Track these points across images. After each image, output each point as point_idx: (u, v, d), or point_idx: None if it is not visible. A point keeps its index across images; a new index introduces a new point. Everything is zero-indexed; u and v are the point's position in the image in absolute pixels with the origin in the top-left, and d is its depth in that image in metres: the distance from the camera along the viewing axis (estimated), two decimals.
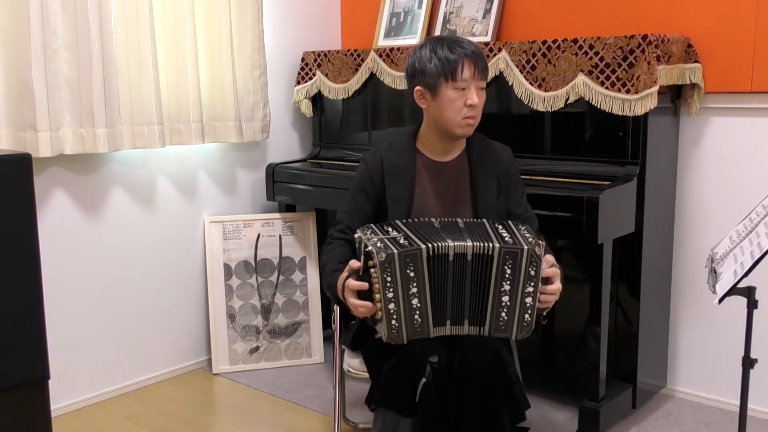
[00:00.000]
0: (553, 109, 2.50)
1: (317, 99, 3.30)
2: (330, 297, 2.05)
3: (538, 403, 2.70)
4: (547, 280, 1.85)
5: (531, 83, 2.53)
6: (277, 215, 3.23)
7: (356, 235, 1.88)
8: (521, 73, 2.55)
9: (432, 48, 1.98)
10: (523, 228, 1.89)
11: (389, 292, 1.76)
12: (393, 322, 1.78)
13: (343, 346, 2.24)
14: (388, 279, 1.75)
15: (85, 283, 2.76)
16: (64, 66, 2.53)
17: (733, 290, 1.66)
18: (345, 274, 1.88)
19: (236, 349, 3.13)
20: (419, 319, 1.79)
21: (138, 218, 2.90)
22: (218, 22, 2.95)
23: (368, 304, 1.80)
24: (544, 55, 2.49)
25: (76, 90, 2.56)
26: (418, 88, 2.02)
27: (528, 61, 2.53)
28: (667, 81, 2.38)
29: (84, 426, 2.65)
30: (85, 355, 2.78)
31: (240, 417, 2.71)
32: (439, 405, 1.82)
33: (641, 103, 2.29)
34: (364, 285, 1.80)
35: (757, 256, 1.62)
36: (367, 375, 2.10)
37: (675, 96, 2.58)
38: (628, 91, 2.31)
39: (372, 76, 3.04)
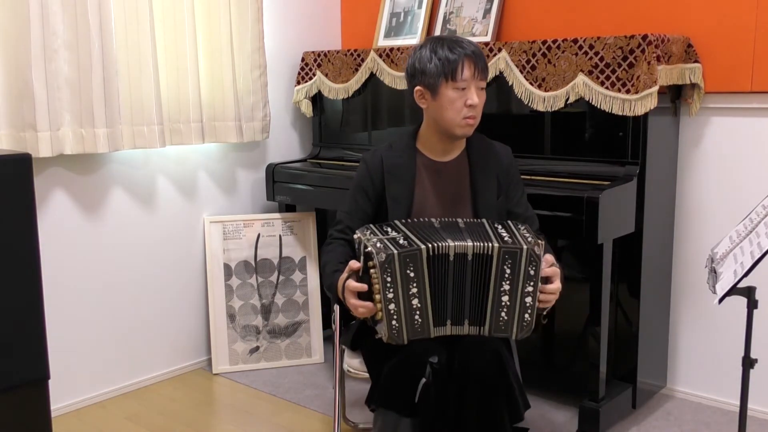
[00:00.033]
0: (553, 109, 2.50)
1: (317, 99, 3.30)
2: (331, 297, 2.05)
3: (538, 403, 2.70)
4: (547, 280, 1.85)
5: (531, 83, 2.53)
6: (277, 215, 3.23)
7: (355, 236, 1.88)
8: (521, 73, 2.55)
9: (432, 48, 1.98)
10: (522, 228, 1.89)
11: (389, 292, 1.76)
12: (393, 322, 1.78)
13: (343, 346, 2.24)
14: (388, 279, 1.75)
15: (85, 283, 2.76)
16: (64, 66, 2.53)
17: (733, 290, 1.66)
18: (345, 274, 1.87)
19: (236, 349, 3.13)
20: (419, 320, 1.79)
21: (138, 218, 2.90)
22: (218, 22, 2.95)
23: (368, 304, 1.80)
24: (544, 55, 2.49)
25: (76, 90, 2.56)
26: (418, 88, 2.02)
27: (528, 61, 2.53)
28: (667, 81, 2.38)
29: (84, 426, 2.65)
30: (85, 355, 2.78)
31: (240, 417, 2.71)
32: (439, 405, 1.82)
33: (641, 103, 2.29)
34: (364, 286, 1.80)
35: (757, 256, 1.62)
36: (367, 375, 2.10)
37: (675, 96, 2.58)
38: (628, 91, 2.31)
39: (372, 76, 3.04)
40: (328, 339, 3.18)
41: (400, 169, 2.07)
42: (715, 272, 1.79)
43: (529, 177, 2.49)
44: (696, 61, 2.51)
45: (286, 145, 3.41)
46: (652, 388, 2.73)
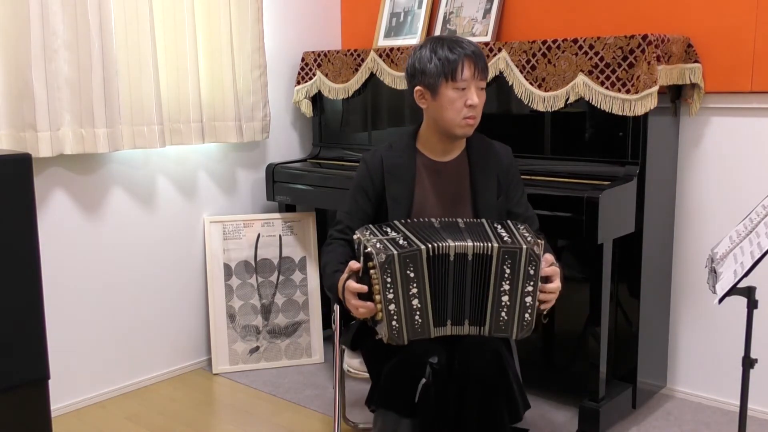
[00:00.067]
0: (553, 109, 2.50)
1: (317, 99, 3.30)
2: (331, 298, 2.05)
3: (538, 403, 2.70)
4: (547, 279, 1.85)
5: (531, 83, 2.53)
6: (277, 215, 3.23)
7: (355, 237, 1.88)
8: (521, 73, 2.55)
9: (432, 48, 1.98)
10: (522, 227, 1.89)
11: (389, 293, 1.76)
12: (393, 323, 1.78)
13: (343, 346, 2.24)
14: (388, 280, 1.75)
15: (85, 283, 2.76)
16: (64, 66, 2.53)
17: (733, 290, 1.66)
18: (345, 275, 1.87)
19: (236, 349, 3.13)
20: (420, 320, 1.79)
21: (138, 218, 2.90)
22: (218, 22, 2.95)
23: (369, 304, 1.80)
24: (544, 55, 2.49)
25: (76, 90, 2.56)
26: (418, 88, 2.02)
27: (528, 61, 2.53)
28: (667, 81, 2.38)
29: (84, 426, 2.65)
30: (85, 355, 2.78)
31: (240, 417, 2.71)
32: (439, 405, 1.82)
33: (641, 103, 2.29)
34: (364, 288, 1.80)
35: (757, 256, 1.62)
36: (367, 375, 2.10)
37: (675, 96, 2.58)
38: (628, 91, 2.31)
39: (372, 76, 3.04)
40: (328, 339, 3.18)
41: (400, 169, 2.07)
42: (715, 272, 1.79)
43: (529, 177, 2.49)
44: (696, 61, 2.51)
45: (286, 145, 3.41)
46: (652, 388, 2.73)
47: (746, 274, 1.62)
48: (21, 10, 2.38)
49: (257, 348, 3.15)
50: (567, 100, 2.45)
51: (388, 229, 1.87)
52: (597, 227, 2.23)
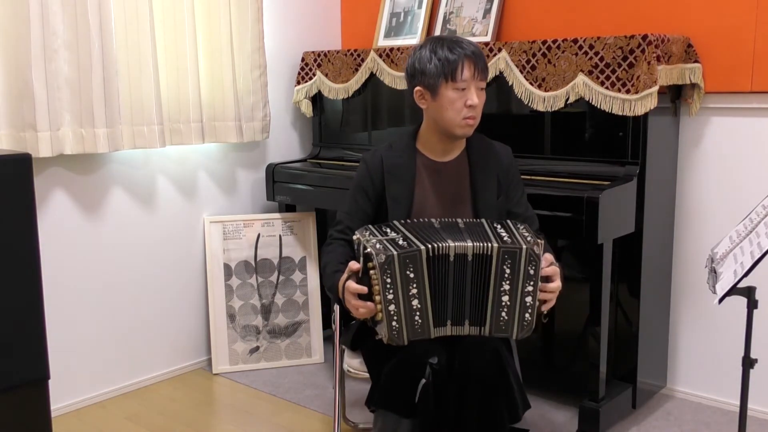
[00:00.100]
0: (553, 109, 2.50)
1: (317, 99, 3.30)
2: (331, 298, 2.05)
3: (538, 403, 2.70)
4: (547, 279, 1.85)
5: (531, 83, 2.53)
6: (277, 215, 3.23)
7: (355, 237, 1.88)
8: (521, 73, 2.55)
9: (432, 48, 1.97)
10: (521, 227, 1.89)
11: (389, 293, 1.76)
12: (393, 323, 1.78)
13: (343, 346, 2.24)
14: (388, 280, 1.75)
15: (85, 283, 2.76)
16: (64, 66, 2.53)
17: (733, 290, 1.66)
18: (345, 275, 1.87)
19: (236, 349, 3.13)
20: (420, 320, 1.79)
21: (138, 218, 2.90)
22: (218, 22, 2.95)
23: (369, 305, 1.80)
24: (544, 55, 2.49)
25: (76, 90, 2.56)
26: (418, 88, 2.02)
27: (528, 61, 2.53)
28: (667, 81, 2.38)
29: (84, 426, 2.65)
30: (85, 355, 2.78)
31: (240, 417, 2.71)
32: (438, 406, 1.82)
33: (641, 103, 2.29)
34: (364, 289, 1.80)
35: (757, 256, 1.62)
36: (367, 375, 2.10)
37: (675, 96, 2.58)
38: (628, 91, 2.31)
39: (372, 76, 3.04)
40: (328, 339, 3.18)
41: (400, 169, 2.07)
42: (715, 272, 1.79)
43: (529, 177, 2.49)
44: (696, 61, 2.51)
45: (286, 145, 3.41)
46: (652, 388, 2.73)
47: (746, 274, 1.62)
48: (21, 10, 2.38)
49: (257, 348, 3.15)
50: (567, 100, 2.45)
51: (388, 230, 1.87)
52: (597, 227, 2.23)
